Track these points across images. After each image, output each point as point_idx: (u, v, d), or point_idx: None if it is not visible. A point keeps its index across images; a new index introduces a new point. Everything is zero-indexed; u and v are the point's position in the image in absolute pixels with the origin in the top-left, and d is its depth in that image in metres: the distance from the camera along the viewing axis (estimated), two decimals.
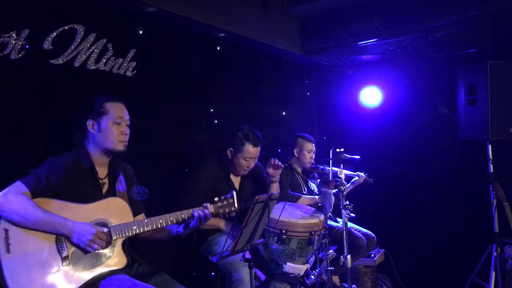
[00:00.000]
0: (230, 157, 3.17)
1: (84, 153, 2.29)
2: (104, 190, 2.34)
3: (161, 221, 2.29)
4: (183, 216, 2.34)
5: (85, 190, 2.24)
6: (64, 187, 2.15)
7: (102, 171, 2.35)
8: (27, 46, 2.41)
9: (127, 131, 2.35)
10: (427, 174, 4.68)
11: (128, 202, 2.35)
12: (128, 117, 2.38)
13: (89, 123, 2.29)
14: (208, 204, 2.41)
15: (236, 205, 2.47)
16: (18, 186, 2.07)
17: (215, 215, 2.45)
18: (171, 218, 2.31)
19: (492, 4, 3.32)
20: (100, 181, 2.32)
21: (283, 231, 2.94)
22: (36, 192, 2.09)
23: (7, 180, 2.10)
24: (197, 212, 2.35)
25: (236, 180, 3.28)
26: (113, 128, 2.29)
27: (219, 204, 2.45)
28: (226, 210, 2.45)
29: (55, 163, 2.19)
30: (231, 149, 3.15)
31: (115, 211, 2.25)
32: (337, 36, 4.11)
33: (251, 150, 3.11)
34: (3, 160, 2.31)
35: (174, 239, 2.51)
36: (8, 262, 1.98)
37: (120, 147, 2.31)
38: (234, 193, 2.48)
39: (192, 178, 3.12)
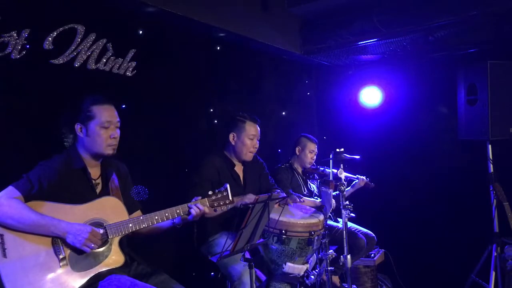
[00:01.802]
0: (234, 142, 3.23)
1: (75, 155, 2.28)
2: (98, 191, 2.33)
3: (156, 217, 2.28)
4: (178, 211, 2.34)
5: (79, 192, 2.23)
6: (57, 190, 2.15)
7: (94, 172, 2.35)
8: (28, 46, 2.41)
9: (116, 134, 2.32)
10: (427, 174, 4.68)
11: (123, 200, 2.34)
12: (118, 119, 2.34)
13: (77, 127, 2.27)
14: (199, 198, 2.41)
15: (230, 198, 2.46)
16: (11, 191, 2.06)
17: (210, 208, 2.44)
18: (166, 214, 2.31)
19: (492, 4, 3.32)
20: (93, 181, 2.32)
21: (283, 231, 2.94)
22: (29, 196, 2.08)
23: (6, 180, 2.10)
24: (193, 208, 2.36)
25: (240, 171, 3.31)
26: (101, 132, 2.26)
27: (213, 197, 2.44)
28: (221, 203, 2.44)
29: (47, 166, 2.18)
30: (233, 133, 3.22)
31: (110, 210, 2.25)
32: (337, 36, 4.11)
33: (253, 128, 3.22)
34: (4, 160, 2.31)
35: (174, 238, 2.51)
36: (5, 267, 1.98)
37: (108, 151, 2.29)
38: (228, 186, 2.47)
39: (197, 170, 3.13)
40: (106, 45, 2.79)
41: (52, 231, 2.06)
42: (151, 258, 2.51)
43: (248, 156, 3.25)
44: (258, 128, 3.27)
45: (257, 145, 3.27)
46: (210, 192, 2.44)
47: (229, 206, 2.48)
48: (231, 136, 3.23)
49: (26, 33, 2.39)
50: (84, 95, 2.32)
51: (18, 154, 2.38)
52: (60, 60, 2.58)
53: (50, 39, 2.51)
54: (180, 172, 3.37)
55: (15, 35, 2.35)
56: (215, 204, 2.44)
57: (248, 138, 3.20)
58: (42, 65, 2.51)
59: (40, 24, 2.46)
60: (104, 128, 2.27)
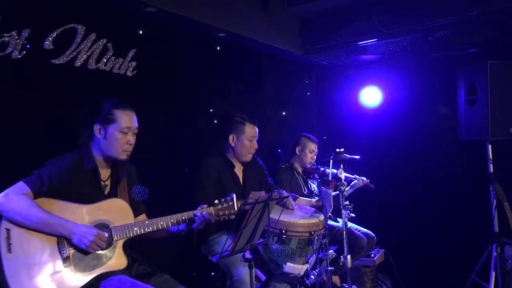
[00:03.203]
0: (234, 144, 3.24)
1: (88, 155, 2.28)
2: (106, 192, 2.33)
3: (162, 222, 2.29)
4: (183, 218, 2.35)
5: (88, 192, 2.23)
6: (66, 189, 2.15)
7: (104, 173, 2.35)
8: (28, 46, 2.41)
9: (133, 140, 2.34)
10: (427, 174, 4.68)
11: (129, 203, 2.35)
12: (137, 125, 2.36)
13: (96, 127, 2.28)
14: (205, 206, 2.42)
15: (236, 208, 2.47)
16: (21, 186, 2.07)
17: (215, 217, 2.45)
18: (172, 220, 2.32)
19: (492, 4, 3.32)
20: (103, 182, 2.32)
21: (283, 231, 2.94)
22: (38, 193, 2.09)
23: (8, 180, 2.10)
24: (198, 215, 2.37)
25: (239, 172, 3.32)
26: (119, 137, 2.27)
27: (219, 206, 2.45)
28: (226, 213, 2.46)
29: (58, 164, 2.18)
30: (233, 135, 3.23)
31: (116, 212, 2.26)
32: (337, 36, 4.12)
33: (252, 129, 3.24)
34: (5, 160, 2.31)
35: (174, 238, 2.51)
36: (9, 262, 1.99)
37: (123, 156, 2.31)
38: (234, 195, 2.49)
39: (198, 173, 3.13)
40: (106, 45, 2.79)
41: (59, 231, 2.06)
42: (152, 258, 2.50)
43: (248, 157, 3.27)
44: (257, 130, 3.29)
45: (256, 146, 3.29)
46: (216, 201, 2.45)
47: (234, 216, 2.49)
48: (230, 138, 3.24)
49: (27, 33, 2.39)
50: (107, 96, 2.34)
51: (18, 153, 2.38)
52: (60, 60, 2.58)
53: (50, 39, 2.51)
54: (180, 172, 3.37)
55: (15, 35, 2.35)
56: (220, 214, 2.45)
57: (248, 140, 3.22)
58: (42, 65, 2.51)
59: (40, 24, 2.46)
60: (122, 133, 2.28)
